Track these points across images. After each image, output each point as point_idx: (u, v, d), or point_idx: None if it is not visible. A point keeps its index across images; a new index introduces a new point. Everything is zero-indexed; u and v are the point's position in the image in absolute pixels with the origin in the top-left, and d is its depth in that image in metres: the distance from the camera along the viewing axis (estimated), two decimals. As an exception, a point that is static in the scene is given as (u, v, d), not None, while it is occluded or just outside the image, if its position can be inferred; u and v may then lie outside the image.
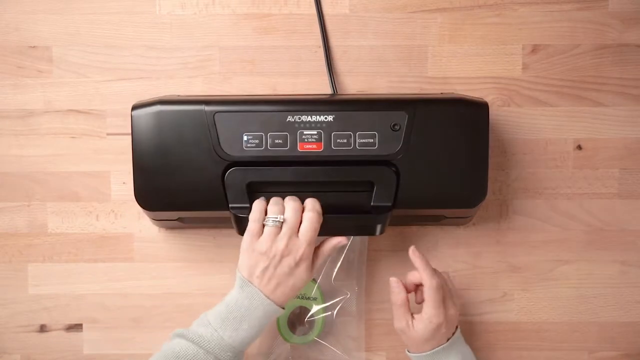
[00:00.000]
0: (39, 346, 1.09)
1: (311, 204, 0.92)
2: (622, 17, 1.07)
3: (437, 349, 0.95)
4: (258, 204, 0.92)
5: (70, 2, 1.06)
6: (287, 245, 0.90)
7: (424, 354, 0.96)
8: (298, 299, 1.06)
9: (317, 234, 0.91)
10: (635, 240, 1.09)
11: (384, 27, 1.07)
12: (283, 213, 0.91)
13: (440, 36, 1.07)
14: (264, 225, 0.91)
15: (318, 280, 1.06)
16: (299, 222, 0.91)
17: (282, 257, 0.90)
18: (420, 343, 0.96)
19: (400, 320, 0.96)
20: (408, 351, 0.98)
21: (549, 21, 1.07)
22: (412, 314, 0.96)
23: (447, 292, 0.96)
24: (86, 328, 1.09)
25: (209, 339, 0.89)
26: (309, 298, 1.06)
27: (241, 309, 0.90)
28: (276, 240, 0.90)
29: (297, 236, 0.90)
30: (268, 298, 0.90)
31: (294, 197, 0.93)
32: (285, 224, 0.90)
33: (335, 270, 1.07)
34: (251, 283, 0.90)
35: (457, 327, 0.98)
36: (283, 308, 0.92)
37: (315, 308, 1.06)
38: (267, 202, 0.93)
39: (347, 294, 1.07)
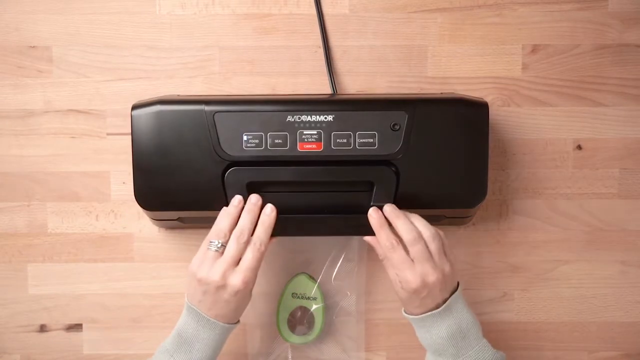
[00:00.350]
0: (39, 346, 1.09)
1: (259, 231, 0.90)
2: (622, 17, 1.07)
3: (423, 315, 0.90)
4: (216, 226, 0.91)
5: (70, 2, 1.06)
6: (222, 276, 0.88)
7: (414, 317, 0.91)
8: (298, 299, 1.06)
9: (259, 262, 0.89)
10: (636, 240, 1.09)
11: (384, 27, 1.07)
12: (232, 229, 0.89)
13: (440, 36, 1.07)
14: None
15: (318, 280, 1.06)
16: (241, 251, 0.89)
17: (218, 288, 0.88)
18: (404, 302, 0.92)
19: (389, 272, 0.92)
20: (404, 311, 0.93)
21: (549, 21, 1.07)
22: None
23: (423, 255, 0.88)
24: (86, 328, 1.09)
25: None
26: (309, 298, 1.06)
27: (189, 331, 0.90)
28: (213, 268, 0.88)
29: (235, 267, 0.88)
30: (214, 319, 0.89)
31: (246, 220, 0.90)
32: (224, 253, 0.89)
33: (335, 270, 1.07)
34: (194, 307, 0.90)
35: (452, 294, 0.90)
36: (238, 322, 0.92)
37: (315, 308, 1.06)
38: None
39: (347, 294, 1.07)
